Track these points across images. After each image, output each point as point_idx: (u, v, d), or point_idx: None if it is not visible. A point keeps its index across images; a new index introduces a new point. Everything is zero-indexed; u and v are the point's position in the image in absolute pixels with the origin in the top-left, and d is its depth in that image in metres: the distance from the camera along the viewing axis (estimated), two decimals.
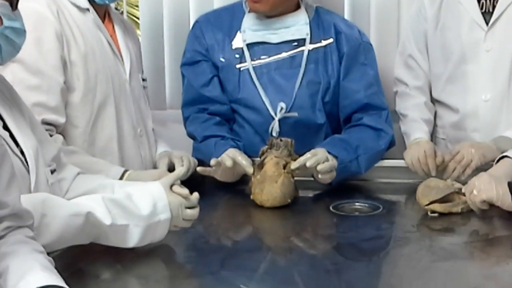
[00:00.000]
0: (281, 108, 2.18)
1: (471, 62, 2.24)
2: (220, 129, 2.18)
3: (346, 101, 2.23)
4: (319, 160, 1.96)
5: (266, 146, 2.02)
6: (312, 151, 2.00)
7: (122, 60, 2.06)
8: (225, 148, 2.08)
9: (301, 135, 2.13)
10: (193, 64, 2.26)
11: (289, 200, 1.95)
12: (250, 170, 1.99)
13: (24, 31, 1.37)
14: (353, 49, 2.23)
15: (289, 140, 2.01)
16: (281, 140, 2.01)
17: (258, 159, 2.02)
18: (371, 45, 2.32)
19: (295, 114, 2.18)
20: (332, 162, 1.99)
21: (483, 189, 1.76)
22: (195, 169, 2.08)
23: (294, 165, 1.95)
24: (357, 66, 2.23)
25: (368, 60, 2.27)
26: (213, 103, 2.22)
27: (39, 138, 1.51)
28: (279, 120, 2.18)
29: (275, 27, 2.21)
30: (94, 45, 1.96)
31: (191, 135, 2.24)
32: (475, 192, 1.77)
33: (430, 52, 2.34)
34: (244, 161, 2.01)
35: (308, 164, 1.95)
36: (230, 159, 1.99)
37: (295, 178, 1.97)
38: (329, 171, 1.99)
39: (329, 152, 2.03)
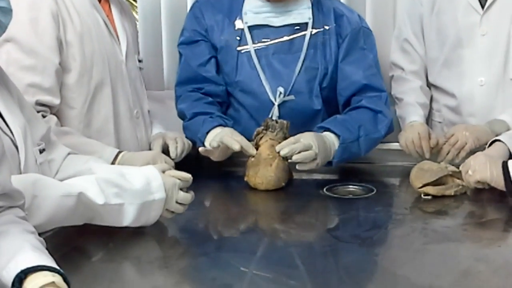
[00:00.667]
0: (280, 93, 2.17)
1: (466, 46, 2.24)
2: (210, 108, 2.17)
3: (344, 82, 2.21)
4: (294, 149, 1.92)
5: (262, 127, 2.01)
6: (296, 136, 1.97)
7: (119, 40, 2.05)
8: (212, 124, 2.08)
9: (298, 121, 2.12)
10: (192, 43, 2.25)
11: (283, 184, 1.95)
12: (253, 151, 1.97)
13: (11, 10, 1.35)
14: (354, 32, 2.22)
15: (284, 122, 2.01)
16: (276, 122, 2.00)
17: (253, 140, 2.01)
18: (370, 30, 2.31)
19: (292, 97, 2.17)
20: (311, 152, 1.93)
21: (477, 169, 1.76)
22: (189, 151, 2.08)
23: (282, 152, 1.93)
24: (356, 49, 2.22)
25: (368, 45, 2.25)
26: (209, 83, 2.21)
27: (28, 117, 1.50)
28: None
29: (277, 11, 2.19)
30: (91, 25, 1.94)
31: (181, 113, 2.22)
32: (470, 172, 1.78)
33: (426, 36, 2.34)
34: (245, 142, 1.99)
35: (282, 153, 1.92)
36: (238, 142, 1.96)
37: (289, 160, 1.97)
38: (306, 161, 1.94)
39: (331, 131, 2.03)
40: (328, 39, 2.21)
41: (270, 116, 2.15)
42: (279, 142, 1.96)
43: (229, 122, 2.13)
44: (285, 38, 2.20)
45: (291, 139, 1.96)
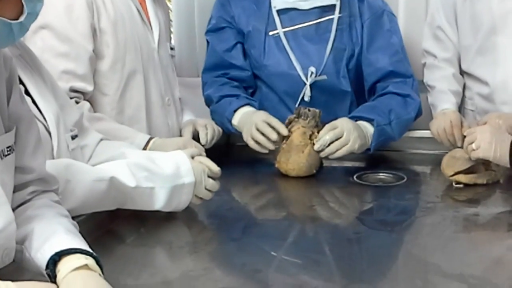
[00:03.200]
0: (311, 73, 2.17)
1: (501, 33, 2.20)
2: (236, 90, 2.20)
3: (370, 68, 2.22)
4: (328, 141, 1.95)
5: (294, 115, 2.02)
6: (332, 123, 1.98)
7: (151, 28, 2.07)
8: (240, 103, 2.11)
9: (327, 102, 2.15)
10: (218, 30, 2.28)
11: (314, 171, 1.96)
12: (284, 131, 1.99)
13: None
14: (376, 15, 2.23)
15: (317, 110, 2.01)
16: (309, 110, 2.00)
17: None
18: (394, 15, 2.31)
19: (324, 77, 2.17)
20: (348, 147, 1.96)
21: (482, 147, 1.75)
22: (219, 137, 2.09)
23: (316, 146, 1.95)
24: (381, 33, 2.23)
25: (392, 28, 2.25)
26: (234, 69, 2.24)
27: (61, 103, 1.51)
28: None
29: None
30: (124, 12, 1.96)
31: (207, 99, 2.25)
32: (474, 146, 1.77)
33: (459, 24, 2.31)
34: (277, 124, 2.01)
35: (315, 148, 1.95)
36: (285, 127, 1.99)
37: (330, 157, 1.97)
38: (344, 153, 1.97)
39: (363, 118, 2.04)
40: (354, 21, 2.22)
41: (301, 96, 2.16)
42: (311, 130, 1.96)
43: (255, 103, 2.15)
44: (313, 21, 2.21)
45: (326, 126, 1.97)
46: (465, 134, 1.89)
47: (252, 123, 2.03)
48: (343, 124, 1.98)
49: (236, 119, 2.10)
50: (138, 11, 2.01)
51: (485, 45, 2.24)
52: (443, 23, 2.33)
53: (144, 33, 2.02)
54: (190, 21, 2.78)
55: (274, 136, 1.98)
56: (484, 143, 1.75)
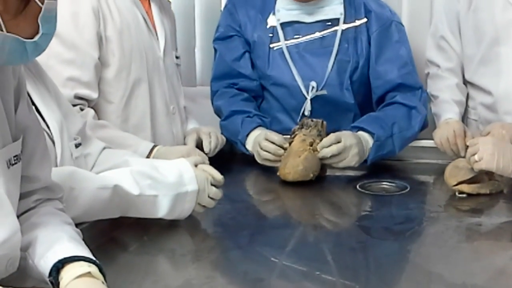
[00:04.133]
0: (312, 87, 2.18)
1: (504, 43, 2.20)
2: (247, 105, 2.21)
3: (379, 81, 2.22)
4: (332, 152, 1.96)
5: (298, 126, 2.02)
6: (337, 134, 1.99)
7: (157, 37, 2.07)
8: (252, 126, 2.10)
9: (330, 114, 2.14)
10: (226, 38, 2.29)
11: (311, 175, 1.95)
12: (286, 145, 2.00)
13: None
14: (384, 27, 2.22)
15: (319, 120, 2.02)
16: (312, 121, 2.01)
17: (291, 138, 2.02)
18: (402, 25, 2.30)
19: (324, 91, 2.18)
20: (350, 159, 1.98)
21: (485, 159, 1.75)
22: (223, 146, 2.09)
23: (320, 154, 1.96)
24: (390, 44, 2.22)
25: (401, 39, 2.25)
26: (243, 78, 2.25)
27: (64, 112, 1.51)
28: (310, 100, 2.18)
29: (309, 7, 2.21)
30: (130, 21, 1.97)
31: (217, 109, 2.26)
32: (476, 158, 1.77)
33: (463, 34, 2.31)
34: (276, 137, 2.03)
35: (320, 155, 1.96)
36: (284, 141, 2.01)
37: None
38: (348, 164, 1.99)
39: (365, 130, 2.05)
40: (360, 33, 2.22)
41: (302, 110, 2.17)
42: (312, 138, 1.97)
43: (266, 120, 2.17)
44: (317, 34, 2.22)
45: (332, 136, 1.97)
46: (467, 144, 1.89)
47: (257, 145, 2.05)
48: (346, 139, 1.98)
49: (250, 145, 2.12)
50: (144, 19, 2.02)
51: (488, 55, 2.24)
52: (446, 33, 2.34)
53: (150, 41, 2.02)
54: (189, 30, 2.79)
55: (280, 152, 2.00)
56: (486, 154, 1.75)
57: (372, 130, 2.06)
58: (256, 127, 2.13)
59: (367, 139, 2.05)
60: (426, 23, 2.58)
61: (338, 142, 1.97)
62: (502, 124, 2.12)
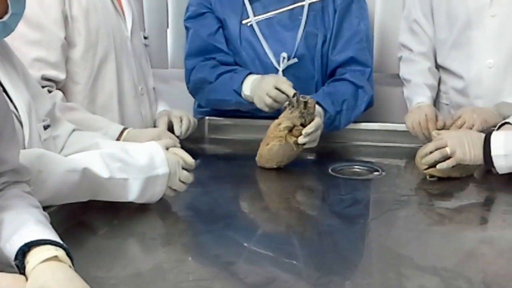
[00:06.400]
0: (283, 58, 2.20)
1: (476, 27, 2.21)
2: (230, 68, 2.21)
3: (334, 52, 2.27)
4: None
5: (286, 102, 1.97)
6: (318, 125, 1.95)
7: (124, 16, 2.04)
8: (243, 74, 2.13)
9: (301, 86, 2.14)
10: (199, 16, 2.29)
11: (275, 165, 1.94)
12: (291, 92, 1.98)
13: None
14: (348, 1, 2.27)
15: (303, 101, 1.91)
16: (297, 100, 1.92)
17: None
18: (365, 2, 2.34)
19: (295, 60, 2.21)
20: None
21: (457, 153, 1.77)
22: (194, 129, 2.08)
23: (300, 140, 1.92)
24: (350, 19, 2.26)
25: (361, 15, 2.29)
26: (220, 53, 2.25)
27: (33, 93, 1.49)
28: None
29: None
30: (96, 0, 1.93)
31: (200, 82, 2.24)
32: (448, 151, 1.78)
33: (435, 17, 2.32)
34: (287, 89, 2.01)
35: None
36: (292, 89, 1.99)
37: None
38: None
39: (320, 105, 2.08)
40: (326, 6, 2.26)
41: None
42: (292, 122, 1.91)
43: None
44: (286, 7, 2.24)
45: (313, 125, 1.93)
46: (433, 134, 1.90)
47: (263, 90, 2.04)
48: (321, 126, 1.98)
49: (247, 89, 2.11)
50: None
51: (460, 39, 2.25)
52: (419, 17, 2.34)
53: (116, 21, 1.99)
54: (161, 12, 2.76)
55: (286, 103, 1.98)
56: (459, 147, 1.77)
57: (326, 106, 2.10)
58: (248, 74, 2.14)
59: (321, 115, 2.08)
60: (399, 6, 2.58)
61: (319, 128, 1.95)
62: (473, 108, 2.14)
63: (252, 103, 2.10)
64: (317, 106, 2.04)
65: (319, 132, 1.96)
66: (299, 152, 1.96)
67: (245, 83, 2.13)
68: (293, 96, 1.93)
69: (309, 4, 2.24)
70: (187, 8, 2.32)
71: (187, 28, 2.31)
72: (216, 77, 2.19)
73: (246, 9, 2.24)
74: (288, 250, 1.40)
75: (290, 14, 2.25)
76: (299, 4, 2.25)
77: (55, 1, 1.83)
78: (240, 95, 2.13)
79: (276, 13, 2.24)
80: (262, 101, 2.05)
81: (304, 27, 2.23)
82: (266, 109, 2.06)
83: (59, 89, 1.86)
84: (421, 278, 1.26)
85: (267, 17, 2.24)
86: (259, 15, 2.24)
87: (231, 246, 1.43)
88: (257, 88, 2.08)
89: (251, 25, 2.23)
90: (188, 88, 2.31)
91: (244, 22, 2.24)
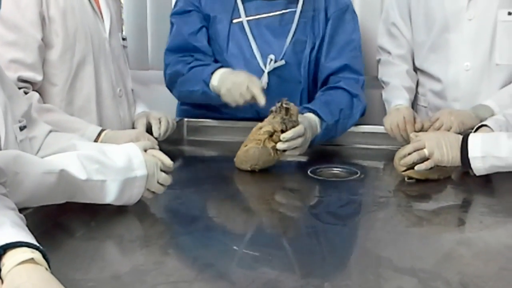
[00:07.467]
0: (271, 60, 2.21)
1: (453, 31, 2.23)
2: (205, 63, 2.21)
3: (327, 60, 2.27)
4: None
5: (273, 107, 1.96)
6: (300, 132, 1.93)
7: (102, 18, 2.03)
8: (215, 66, 2.13)
9: (284, 89, 2.16)
10: (184, 13, 2.29)
11: (249, 168, 1.93)
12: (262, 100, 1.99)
13: None
14: (342, 11, 2.28)
15: (286, 107, 1.91)
16: (281, 106, 1.91)
17: None
18: (356, 14, 2.36)
19: (283, 62, 2.21)
20: (298, 140, 1.93)
21: (435, 155, 1.78)
22: (173, 130, 2.07)
23: (279, 146, 1.92)
24: (344, 28, 2.27)
25: (355, 26, 2.31)
26: (198, 52, 2.25)
27: (9, 93, 1.47)
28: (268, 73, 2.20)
29: None
30: (74, 1, 1.92)
31: (174, 74, 2.25)
32: (426, 152, 1.79)
33: (413, 20, 2.33)
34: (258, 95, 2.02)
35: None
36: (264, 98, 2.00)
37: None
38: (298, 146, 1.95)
39: (317, 114, 2.07)
40: (317, 14, 2.26)
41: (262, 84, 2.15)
42: (273, 128, 1.91)
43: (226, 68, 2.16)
44: (277, 12, 2.24)
45: (294, 130, 1.92)
46: (411, 136, 1.91)
47: (235, 85, 2.03)
48: (307, 131, 1.97)
49: (216, 80, 2.11)
50: (89, 0, 1.97)
51: (438, 42, 2.27)
52: (397, 19, 2.36)
53: (94, 22, 1.98)
54: (141, 13, 2.76)
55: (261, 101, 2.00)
56: (436, 149, 1.78)
57: (323, 116, 2.08)
58: (220, 67, 2.14)
59: (317, 124, 2.07)
60: (377, 9, 2.60)
61: (299, 136, 1.93)
62: (451, 110, 2.16)
63: (219, 96, 2.09)
64: (313, 115, 2.06)
65: (299, 140, 1.93)
66: (277, 158, 1.95)
67: (215, 74, 2.13)
68: (278, 102, 1.93)
69: (301, 11, 2.25)
70: (176, 2, 2.34)
71: (171, 23, 2.32)
72: (189, 69, 2.20)
73: (238, 8, 2.24)
74: (267, 252, 1.39)
75: (281, 19, 2.25)
76: (291, 10, 2.25)
77: (32, 2, 1.81)
78: (208, 85, 2.13)
79: (267, 16, 2.25)
80: (231, 95, 2.04)
81: (294, 34, 2.24)
82: (233, 105, 2.06)
83: (36, 91, 1.85)
84: (400, 279, 1.26)
85: (258, 19, 2.24)
86: (251, 16, 2.25)
87: (210, 247, 1.42)
88: (227, 80, 2.07)
89: (241, 24, 2.23)
90: (165, 83, 2.31)
91: (235, 21, 2.24)
